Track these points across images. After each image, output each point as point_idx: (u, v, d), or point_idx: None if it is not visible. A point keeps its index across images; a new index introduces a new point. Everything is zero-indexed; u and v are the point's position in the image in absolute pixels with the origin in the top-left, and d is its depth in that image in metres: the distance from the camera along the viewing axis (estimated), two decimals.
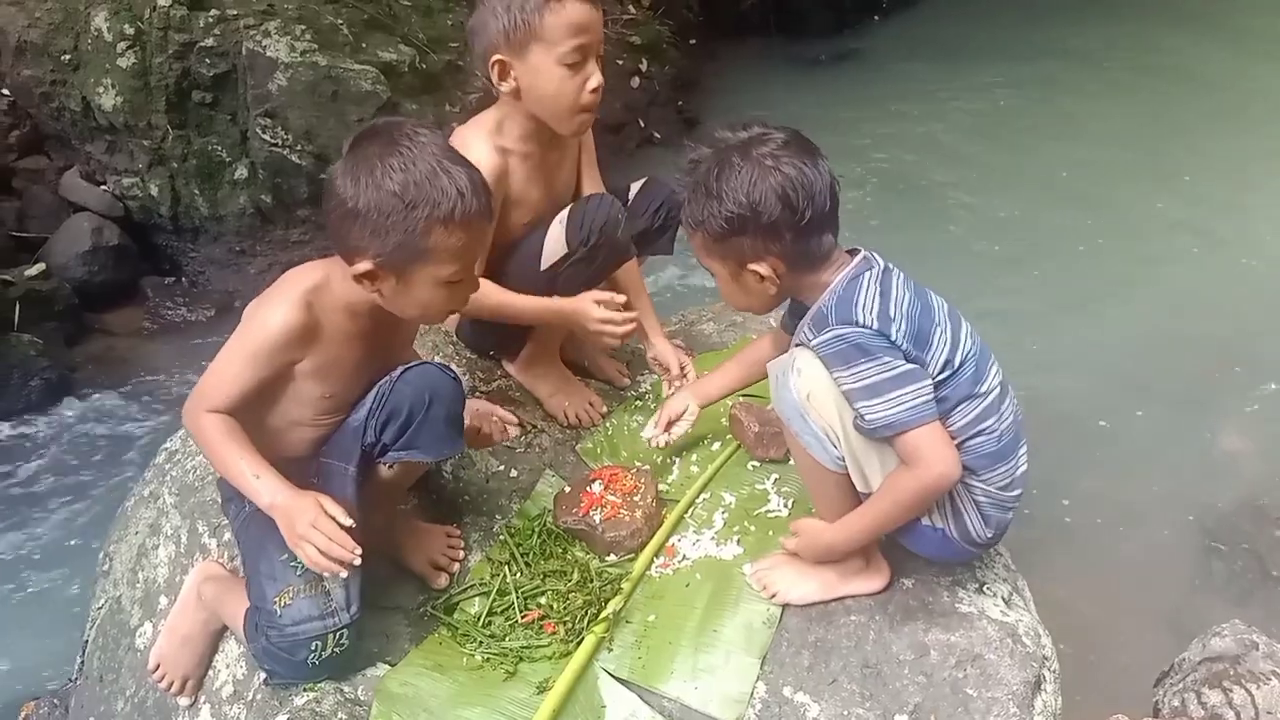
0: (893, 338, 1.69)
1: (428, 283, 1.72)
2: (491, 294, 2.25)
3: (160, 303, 4.51)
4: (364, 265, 1.68)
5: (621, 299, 2.29)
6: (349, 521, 1.68)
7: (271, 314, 1.74)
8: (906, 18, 7.72)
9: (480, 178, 1.71)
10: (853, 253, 1.82)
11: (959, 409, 1.74)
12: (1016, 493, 1.83)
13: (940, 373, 1.72)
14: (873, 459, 1.77)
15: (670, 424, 2.21)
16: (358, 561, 1.67)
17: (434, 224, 1.65)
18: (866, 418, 1.69)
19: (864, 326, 1.68)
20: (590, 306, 2.25)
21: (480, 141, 2.14)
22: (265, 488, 1.70)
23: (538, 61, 2.08)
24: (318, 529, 1.66)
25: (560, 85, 2.11)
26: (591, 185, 2.40)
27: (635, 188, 2.45)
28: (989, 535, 1.85)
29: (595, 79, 2.12)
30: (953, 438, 1.73)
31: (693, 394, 2.23)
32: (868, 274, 1.75)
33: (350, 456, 1.83)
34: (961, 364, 1.74)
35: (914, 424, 1.67)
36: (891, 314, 1.70)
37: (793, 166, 1.69)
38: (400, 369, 1.82)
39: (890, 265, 1.80)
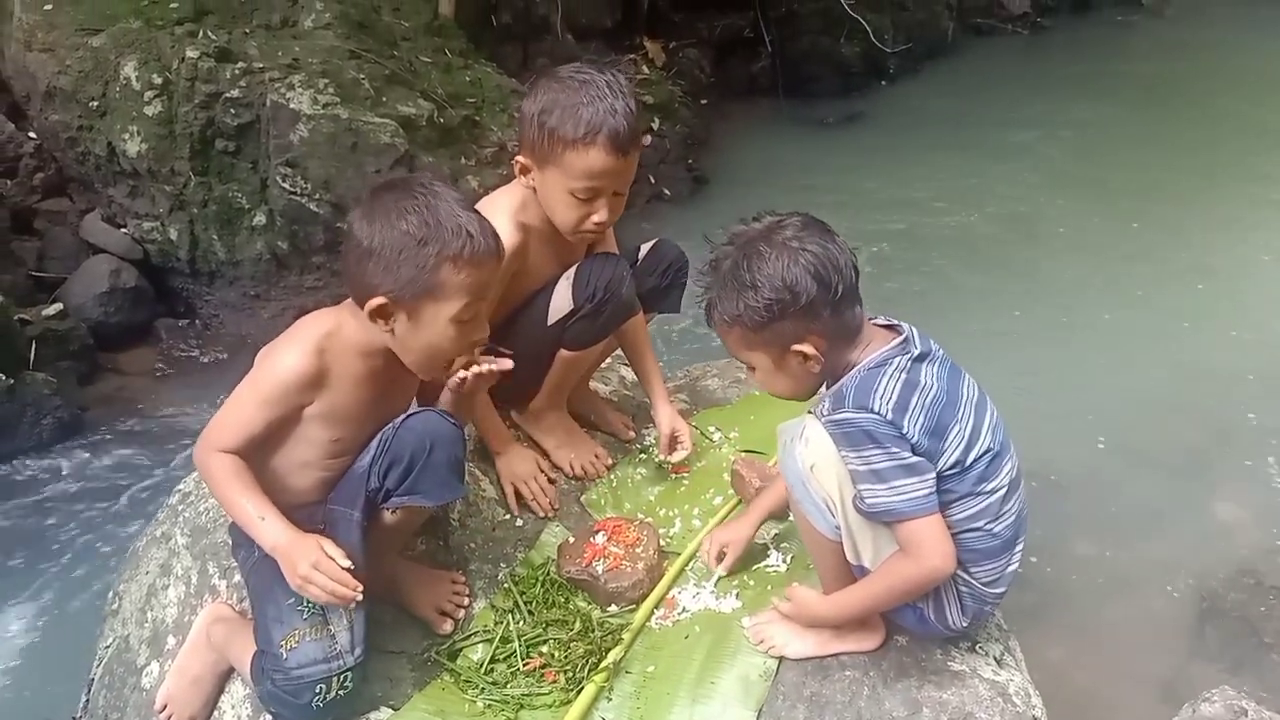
0: (905, 429, 1.69)
1: (437, 320, 1.78)
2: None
3: (174, 344, 4.57)
4: (377, 301, 1.75)
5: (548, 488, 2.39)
6: (347, 563, 1.74)
7: (283, 359, 1.80)
8: (912, 83, 7.87)
9: (489, 225, 1.81)
10: (893, 327, 1.83)
11: (959, 503, 1.75)
12: (1000, 590, 1.86)
13: (949, 469, 1.73)
14: (866, 534, 1.80)
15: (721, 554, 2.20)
16: (359, 598, 1.73)
17: (444, 260, 1.73)
18: (867, 500, 1.72)
19: (877, 414, 1.69)
20: (523, 468, 2.37)
21: (503, 216, 2.16)
22: (269, 530, 1.76)
23: (552, 182, 2.13)
24: (319, 570, 1.72)
25: (565, 210, 2.16)
26: (604, 247, 2.46)
27: (645, 249, 2.52)
28: (965, 624, 1.88)
29: (600, 215, 2.15)
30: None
31: (757, 514, 2.20)
32: (898, 359, 1.75)
33: (355, 502, 1.88)
34: (972, 463, 1.74)
35: (912, 514, 1.69)
36: (910, 405, 1.71)
37: (817, 245, 1.73)
38: (403, 416, 1.87)
39: (930, 349, 1.80)
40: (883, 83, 7.82)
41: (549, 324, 2.30)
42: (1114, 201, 5.82)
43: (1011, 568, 1.85)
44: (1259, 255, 5.11)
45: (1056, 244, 5.37)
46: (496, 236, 1.82)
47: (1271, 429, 3.75)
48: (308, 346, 1.80)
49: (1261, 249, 5.17)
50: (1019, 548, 1.85)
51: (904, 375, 1.73)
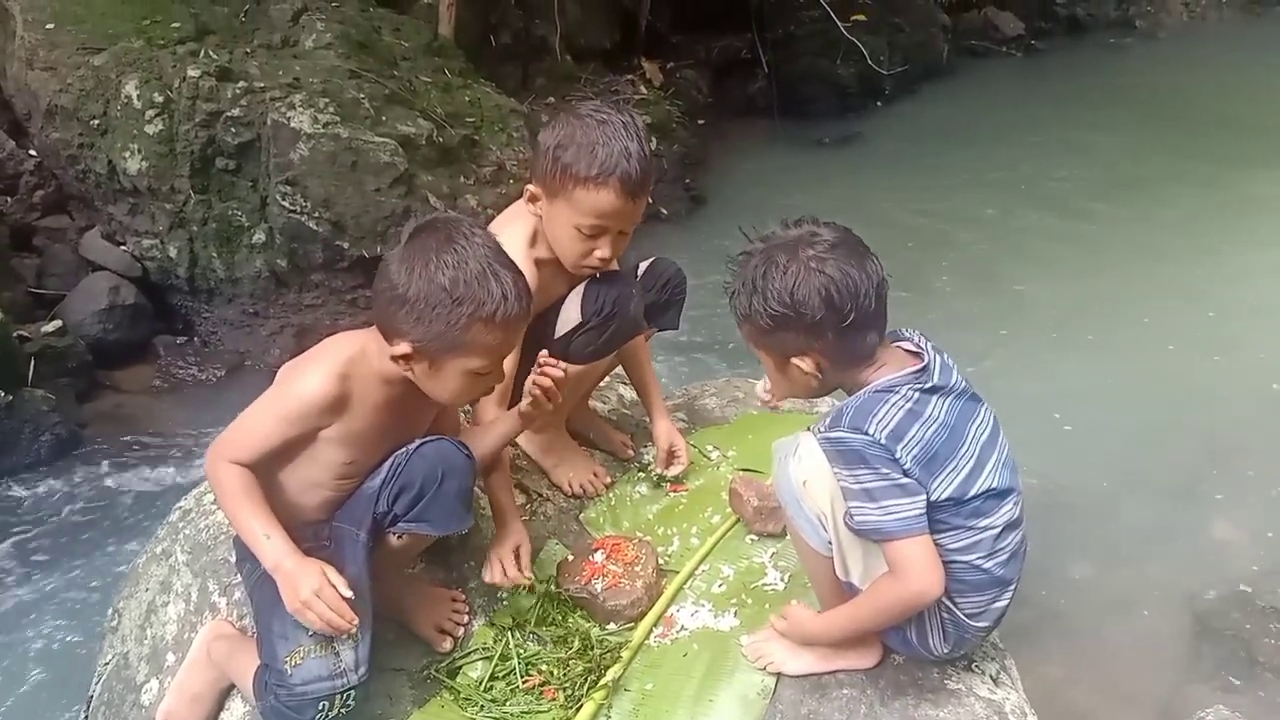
0: (897, 455, 1.70)
1: (457, 372, 1.80)
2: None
3: (172, 361, 4.58)
4: (403, 348, 1.77)
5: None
6: (349, 593, 1.75)
7: (307, 380, 1.81)
8: (908, 104, 7.92)
9: (524, 283, 1.82)
10: (918, 354, 1.82)
11: (950, 534, 1.76)
12: (984, 624, 1.86)
13: (943, 501, 1.73)
14: (856, 551, 1.82)
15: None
16: (354, 631, 1.75)
17: (475, 321, 1.74)
18: (856, 519, 1.73)
19: (870, 436, 1.70)
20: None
21: (519, 255, 2.14)
22: (273, 549, 1.77)
23: (559, 214, 2.16)
24: (321, 598, 1.73)
25: (569, 243, 2.19)
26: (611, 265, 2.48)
27: (643, 266, 2.54)
28: (946, 650, 1.89)
29: (604, 251, 2.18)
30: None
31: None
32: (906, 389, 1.75)
33: (362, 523, 1.89)
34: (969, 499, 1.75)
35: (901, 534, 1.70)
36: (907, 435, 1.71)
37: (837, 269, 1.72)
38: (416, 443, 1.88)
39: (948, 383, 1.79)
40: (879, 104, 7.87)
41: (556, 337, 2.32)
42: (1114, 220, 5.85)
43: (999, 604, 1.85)
44: (1263, 274, 5.12)
45: (1054, 262, 5.40)
46: (529, 294, 1.82)
47: (1268, 451, 3.77)
48: (333, 370, 1.81)
49: (1265, 268, 5.18)
50: (1011, 588, 1.85)
51: (908, 405, 1.74)
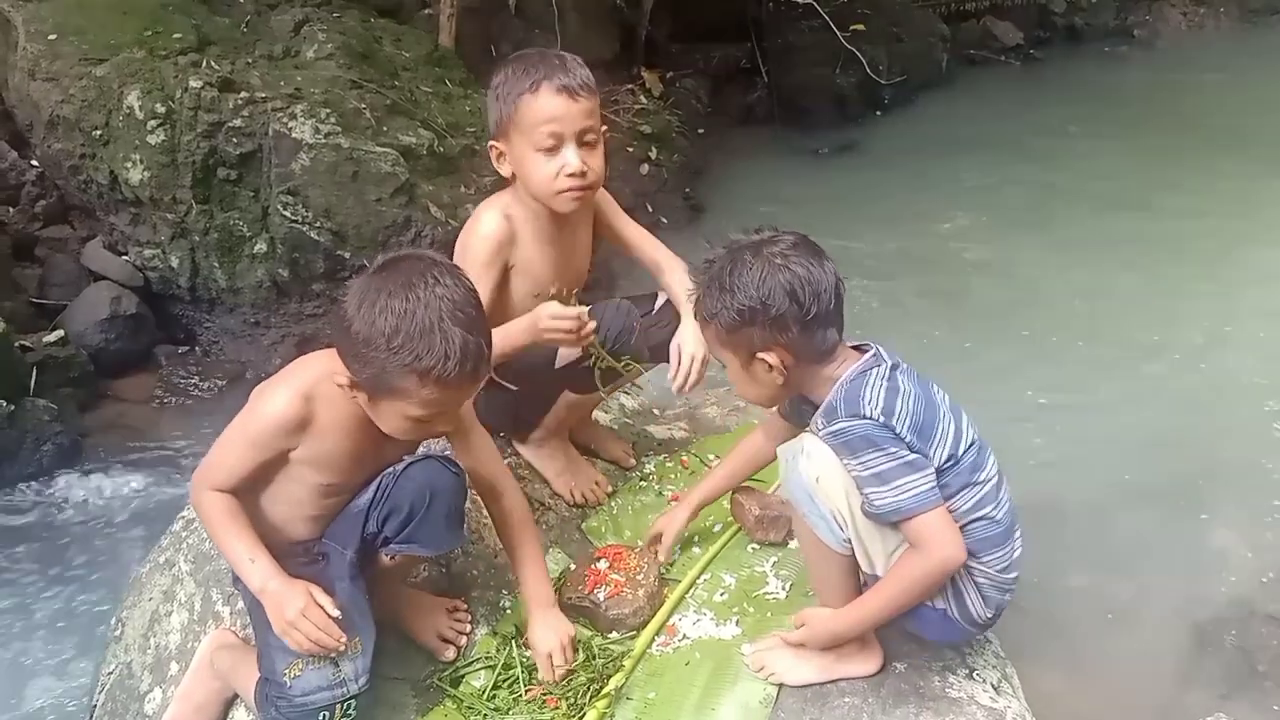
0: (897, 430, 1.78)
1: (395, 413, 1.77)
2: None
3: (173, 371, 4.58)
4: (343, 378, 1.76)
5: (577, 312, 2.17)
6: (336, 612, 1.76)
7: (270, 402, 1.82)
8: (906, 113, 7.92)
9: (476, 345, 1.71)
10: (861, 349, 1.92)
11: (960, 495, 1.83)
12: (1013, 575, 1.91)
13: (943, 464, 1.81)
14: (876, 541, 1.85)
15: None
16: (342, 649, 1.77)
17: (410, 372, 1.68)
18: (875, 503, 1.78)
19: (870, 419, 1.78)
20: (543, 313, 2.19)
21: (490, 210, 2.27)
22: (258, 572, 1.78)
23: (519, 146, 2.20)
24: (307, 617, 1.74)
25: (536, 169, 2.19)
26: (636, 236, 2.54)
27: (660, 300, 2.49)
28: (989, 615, 1.92)
29: (571, 165, 2.16)
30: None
31: (691, 503, 2.31)
32: (874, 371, 1.85)
33: (349, 542, 1.90)
34: (963, 454, 1.84)
35: (919, 510, 1.76)
36: (896, 408, 1.80)
37: (801, 265, 1.82)
38: (405, 462, 1.88)
39: (898, 361, 1.90)
40: (878, 113, 7.87)
41: (555, 368, 2.33)
42: (1115, 228, 5.82)
43: (1017, 553, 1.91)
44: (1273, 282, 5.09)
45: (1054, 270, 5.38)
46: (479, 359, 1.73)
47: (1268, 460, 3.77)
48: (296, 390, 1.82)
49: (1274, 276, 5.14)
50: (1018, 533, 1.92)
51: (885, 383, 1.83)
